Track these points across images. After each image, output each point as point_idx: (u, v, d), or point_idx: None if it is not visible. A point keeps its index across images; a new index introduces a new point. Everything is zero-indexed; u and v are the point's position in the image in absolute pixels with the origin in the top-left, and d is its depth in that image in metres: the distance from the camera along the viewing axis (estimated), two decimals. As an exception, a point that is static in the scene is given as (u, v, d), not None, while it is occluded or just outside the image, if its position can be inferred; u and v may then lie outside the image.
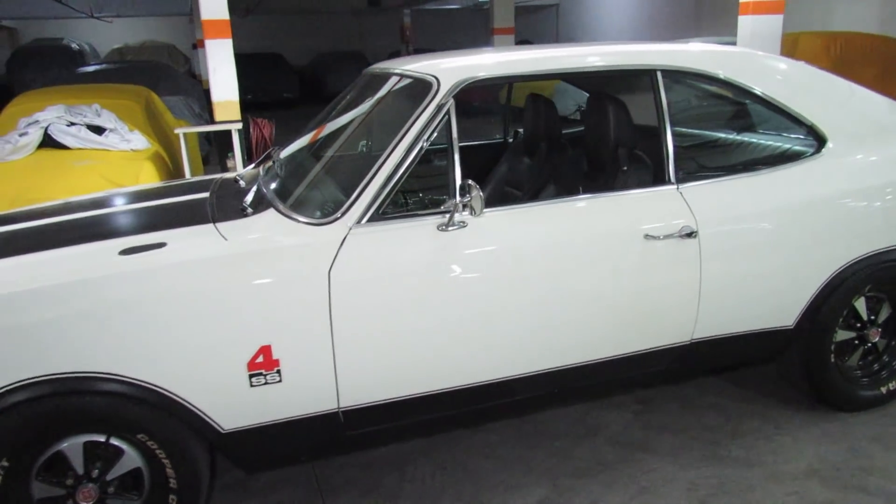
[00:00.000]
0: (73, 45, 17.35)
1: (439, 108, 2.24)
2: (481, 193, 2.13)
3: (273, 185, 2.51)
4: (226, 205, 2.47)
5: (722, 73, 2.53)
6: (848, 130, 2.64)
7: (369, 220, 2.15)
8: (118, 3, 15.91)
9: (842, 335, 2.79)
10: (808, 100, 2.62)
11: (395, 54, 19.61)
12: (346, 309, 2.09)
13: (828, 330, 2.70)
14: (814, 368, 2.75)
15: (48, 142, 5.50)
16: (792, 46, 8.44)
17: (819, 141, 2.62)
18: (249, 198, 2.44)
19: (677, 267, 2.41)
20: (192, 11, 14.61)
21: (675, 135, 2.46)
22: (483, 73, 2.33)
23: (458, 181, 2.19)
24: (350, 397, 2.17)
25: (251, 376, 2.05)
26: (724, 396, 3.07)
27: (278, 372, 2.07)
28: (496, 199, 3.45)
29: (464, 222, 2.21)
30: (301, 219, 2.18)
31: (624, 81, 3.09)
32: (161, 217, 2.45)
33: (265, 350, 2.04)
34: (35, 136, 5.46)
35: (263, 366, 2.05)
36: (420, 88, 2.33)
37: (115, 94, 6.54)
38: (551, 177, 3.07)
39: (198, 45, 13.94)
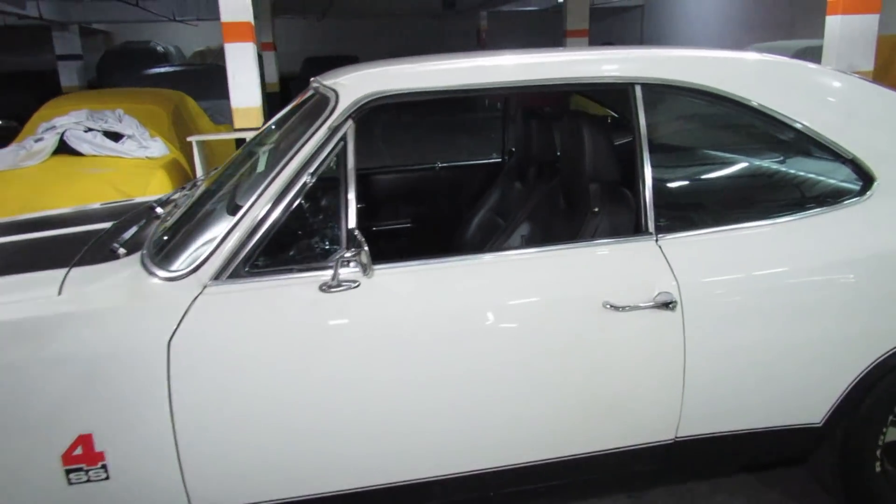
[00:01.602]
0: (159, 48, 17.88)
1: (332, 131, 1.75)
2: (366, 248, 1.63)
3: (161, 222, 2.08)
4: (112, 242, 2.07)
5: (723, 88, 1.90)
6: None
7: (230, 278, 1.69)
8: (199, 7, 16.22)
9: (894, 434, 2.10)
10: (850, 124, 1.96)
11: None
12: (190, 390, 1.64)
13: (872, 428, 2.03)
14: (852, 476, 2.08)
15: (64, 148, 5.37)
16: (893, 51, 7.40)
17: (865, 179, 1.95)
18: (128, 235, 2.02)
19: (650, 346, 1.82)
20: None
21: (656, 169, 1.86)
22: (395, 87, 1.82)
23: (350, 227, 1.70)
24: (205, 502, 1.71)
25: (68, 472, 1.62)
26: (739, 496, 2.42)
27: (104, 467, 1.64)
28: (485, 229, 2.91)
29: (355, 281, 1.71)
30: (158, 272, 1.74)
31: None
32: (20, 256, 2.06)
33: (84, 440, 1.61)
34: (50, 141, 5.35)
35: (83, 459, 1.62)
36: (319, 107, 1.85)
37: (142, 98, 6.39)
38: (530, 212, 2.51)
39: (263, 47, 13.98)
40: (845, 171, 1.98)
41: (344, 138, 1.75)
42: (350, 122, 1.77)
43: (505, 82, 1.85)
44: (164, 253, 1.81)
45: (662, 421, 1.89)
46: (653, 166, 1.86)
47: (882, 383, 1.97)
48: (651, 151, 1.85)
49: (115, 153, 5.42)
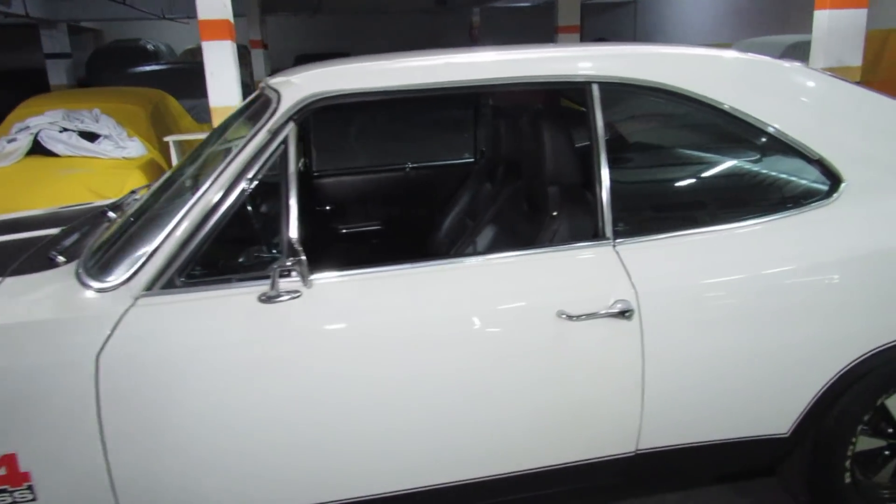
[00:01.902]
0: (149, 46, 17.77)
1: (272, 134, 1.67)
2: (303, 257, 1.56)
3: (103, 229, 2.00)
4: (53, 249, 1.99)
5: (683, 86, 1.81)
6: (877, 165, 1.89)
7: (164, 289, 1.61)
8: (189, 5, 16.10)
9: (865, 444, 2.03)
10: (817, 123, 1.88)
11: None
12: (120, 407, 1.56)
13: (841, 438, 1.96)
14: (821, 487, 2.01)
15: (38, 149, 5.28)
16: (881, 46, 7.33)
17: (832, 180, 1.87)
18: (70, 242, 1.94)
19: (607, 357, 1.74)
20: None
21: (614, 171, 1.78)
22: (338, 88, 1.74)
23: (292, 236, 1.62)
24: None
25: (-9, 493, 1.54)
26: (710, 505, 2.35)
27: (30, 488, 1.56)
28: (455, 232, 2.84)
29: (297, 292, 1.63)
30: (90, 283, 1.66)
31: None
32: None
33: (8, 460, 1.54)
34: (24, 142, 5.26)
35: (7, 480, 1.55)
36: (262, 109, 1.77)
37: (121, 98, 6.30)
38: (495, 215, 2.43)
39: (251, 45, 13.86)
40: (813, 173, 1.90)
41: (285, 141, 1.68)
42: (291, 125, 1.69)
43: (453, 82, 1.77)
44: (100, 263, 1.73)
45: (622, 433, 1.82)
46: (611, 168, 1.78)
47: (850, 392, 1.90)
48: (609, 153, 1.77)
49: (91, 154, 5.34)
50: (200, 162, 1.96)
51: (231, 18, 5.57)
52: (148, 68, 11.37)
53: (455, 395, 1.69)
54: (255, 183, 1.66)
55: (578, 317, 1.69)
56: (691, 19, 16.73)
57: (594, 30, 20.54)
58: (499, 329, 1.68)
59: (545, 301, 1.70)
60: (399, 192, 3.18)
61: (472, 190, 2.94)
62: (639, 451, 1.85)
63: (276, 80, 1.84)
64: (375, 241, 3.16)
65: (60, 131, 5.39)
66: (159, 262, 1.60)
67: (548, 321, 1.69)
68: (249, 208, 2.12)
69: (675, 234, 1.80)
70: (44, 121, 5.46)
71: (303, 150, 3.14)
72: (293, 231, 1.63)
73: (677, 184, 2.26)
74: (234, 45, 5.62)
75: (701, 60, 1.94)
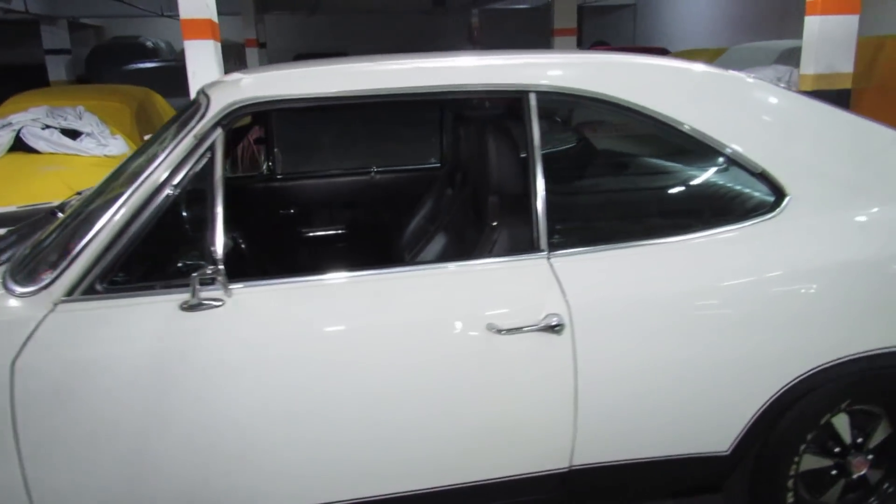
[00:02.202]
0: (148, 43, 17.77)
1: (198, 140, 1.64)
2: (221, 266, 1.53)
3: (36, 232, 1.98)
4: None
5: (624, 97, 1.78)
6: (826, 180, 1.85)
7: (85, 294, 1.58)
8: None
9: (810, 463, 2.00)
10: (760, 134, 1.84)
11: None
12: (36, 415, 1.53)
13: (784, 457, 1.93)
14: None
15: (20, 145, 5.27)
16: (875, 53, 7.28)
17: (777, 194, 1.84)
18: (6, 244, 1.92)
19: (538, 372, 1.71)
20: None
21: (551, 182, 1.75)
22: (266, 94, 1.71)
23: (215, 244, 1.59)
24: None
25: None
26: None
27: None
28: (418, 237, 2.81)
29: (220, 300, 1.60)
30: (13, 288, 1.63)
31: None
32: None
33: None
34: (5, 139, 5.25)
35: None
36: (193, 113, 1.75)
37: (105, 95, 6.28)
38: (447, 223, 2.40)
39: (246, 43, 13.86)
40: (758, 186, 1.86)
41: (212, 148, 1.65)
42: (219, 131, 1.66)
43: (383, 89, 1.74)
44: (27, 267, 1.70)
45: (555, 449, 1.79)
46: (547, 179, 1.74)
47: (793, 410, 1.87)
48: (546, 163, 1.74)
49: (73, 151, 5.32)
50: (132, 166, 1.93)
51: (215, 18, 5.56)
52: (144, 65, 11.40)
53: (379, 407, 1.66)
54: (180, 189, 1.63)
55: (508, 330, 1.65)
56: (690, 23, 16.68)
57: (594, 33, 20.52)
58: (424, 341, 1.65)
59: (473, 314, 1.66)
60: (364, 197, 3.15)
61: (434, 196, 2.91)
62: (573, 467, 1.82)
63: (210, 85, 1.81)
64: (341, 245, 3.14)
65: (43, 128, 5.38)
66: (80, 268, 1.57)
67: (476, 334, 1.66)
68: (183, 213, 2.10)
69: (612, 246, 1.76)
70: (27, 117, 5.45)
71: (266, 153, 3.12)
72: (217, 239, 1.60)
73: (617, 195, 2.22)
74: (218, 45, 5.61)
75: (639, 70, 1.90)
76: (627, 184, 2.26)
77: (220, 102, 1.67)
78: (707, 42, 14.67)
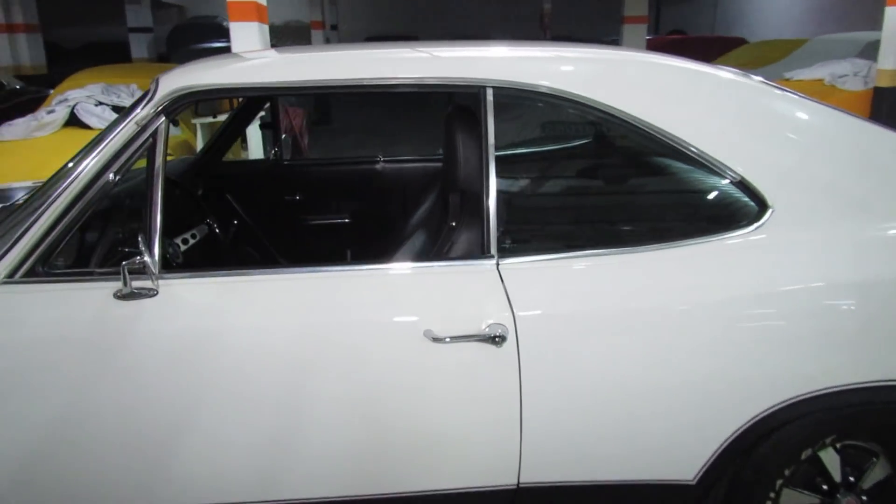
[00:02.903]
0: (225, 23, 18.23)
1: (140, 127, 1.62)
2: (147, 257, 1.50)
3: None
4: None
5: (590, 96, 1.63)
6: (812, 189, 1.67)
7: (26, 276, 1.59)
8: (264, -17, 16.38)
9: (792, 499, 1.84)
10: (741, 139, 1.67)
11: (533, 41, 18.69)
12: None
13: (757, 493, 1.77)
14: None
15: (74, 121, 5.46)
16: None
17: (757, 204, 1.67)
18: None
19: (479, 384, 1.61)
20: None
21: (505, 183, 1.64)
22: (207, 83, 1.67)
23: (154, 234, 1.57)
24: None
25: None
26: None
27: None
28: (406, 234, 2.74)
29: (153, 289, 1.58)
30: None
31: None
32: None
33: None
34: (60, 114, 5.45)
35: None
36: (140, 100, 1.73)
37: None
38: (424, 220, 2.32)
39: (312, 25, 13.97)
40: (737, 195, 1.69)
41: (154, 135, 1.63)
42: (162, 119, 1.63)
43: (328, 80, 1.66)
44: None
45: (502, 464, 1.69)
46: (501, 179, 1.63)
47: (768, 442, 1.71)
48: (500, 162, 1.63)
49: (122, 128, 5.48)
50: (83, 151, 1.94)
51: (262, 0, 5.61)
52: (214, 45, 11.70)
53: (305, 407, 1.60)
54: (120, 176, 1.62)
55: (446, 339, 1.57)
56: (772, 12, 15.85)
57: (672, 20, 19.80)
58: (358, 345, 1.58)
59: (414, 319, 1.58)
60: (369, 187, 3.10)
61: (438, 189, 2.83)
62: (521, 485, 1.72)
63: (165, 72, 1.78)
64: (342, 235, 3.09)
65: (96, 105, 5.56)
66: (22, 250, 1.58)
67: (413, 341, 1.58)
68: (127, 200, 2.09)
69: (568, 255, 1.64)
70: (82, 94, 5.66)
71: (273, 139, 3.10)
72: (153, 229, 1.58)
73: (579, 200, 2.07)
74: (264, 27, 5.66)
75: (606, 67, 1.75)
76: (592, 188, 2.11)
77: (162, 91, 1.64)
78: (790, 32, 13.90)
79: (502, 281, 1.61)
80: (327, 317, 1.60)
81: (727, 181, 1.67)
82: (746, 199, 1.67)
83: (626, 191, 2.04)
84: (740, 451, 1.71)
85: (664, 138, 1.65)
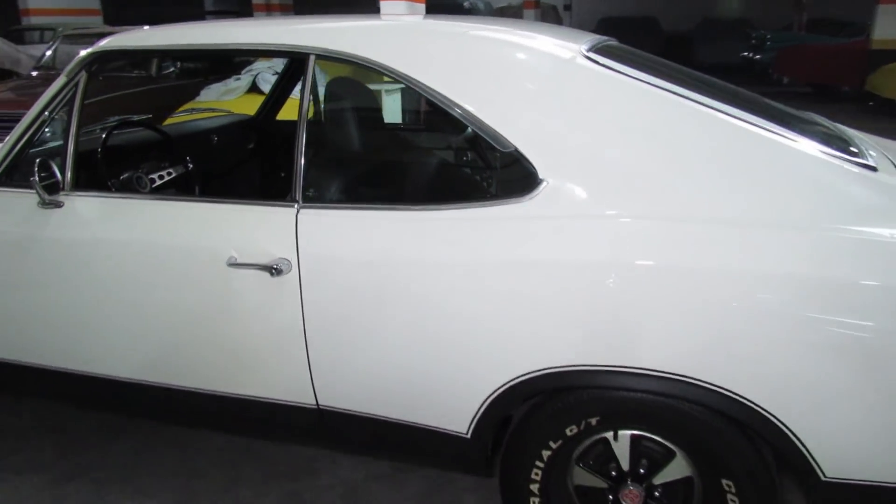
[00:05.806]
0: (466, 4, 19.16)
1: (69, 78, 2.12)
2: (36, 178, 2.00)
3: None
4: None
5: (394, 65, 1.77)
6: (592, 165, 1.64)
7: None
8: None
9: (580, 478, 1.83)
10: (521, 110, 1.69)
11: (787, 28, 17.03)
12: None
13: (523, 461, 1.81)
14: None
15: (255, 88, 6.42)
16: None
17: (529, 176, 1.67)
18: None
19: (269, 309, 1.88)
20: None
21: (315, 141, 1.85)
22: (123, 45, 2.13)
23: (70, 158, 2.08)
24: None
25: None
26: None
27: None
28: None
29: (60, 202, 2.09)
30: None
31: None
32: None
33: None
34: (244, 82, 6.44)
35: None
36: None
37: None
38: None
39: (525, 6, 14.12)
40: (514, 165, 1.69)
41: (75, 86, 2.11)
42: (83, 73, 2.12)
43: (204, 45, 2.03)
44: None
45: (299, 384, 1.92)
46: (309, 137, 1.86)
47: (539, 414, 1.74)
48: (312, 123, 1.85)
49: (294, 96, 6.32)
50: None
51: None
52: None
53: (138, 310, 2.02)
54: (53, 112, 2.13)
55: (240, 265, 1.86)
56: None
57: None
58: (175, 262, 1.94)
59: (218, 246, 1.89)
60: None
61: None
62: (321, 407, 1.95)
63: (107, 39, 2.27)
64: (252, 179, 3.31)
65: (273, 74, 6.46)
66: None
67: (216, 263, 1.89)
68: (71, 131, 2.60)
69: (356, 207, 1.81)
70: (265, 65, 6.60)
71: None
72: (68, 154, 2.07)
73: (381, 163, 2.13)
74: (416, 6, 6.11)
75: (409, 37, 1.87)
76: (392, 153, 2.16)
77: (88, 51, 2.12)
78: None
79: (297, 223, 1.85)
80: (161, 237, 1.98)
81: (509, 151, 1.71)
82: (523, 169, 1.70)
83: (422, 158, 2.10)
84: (498, 413, 1.76)
85: (453, 107, 1.74)
